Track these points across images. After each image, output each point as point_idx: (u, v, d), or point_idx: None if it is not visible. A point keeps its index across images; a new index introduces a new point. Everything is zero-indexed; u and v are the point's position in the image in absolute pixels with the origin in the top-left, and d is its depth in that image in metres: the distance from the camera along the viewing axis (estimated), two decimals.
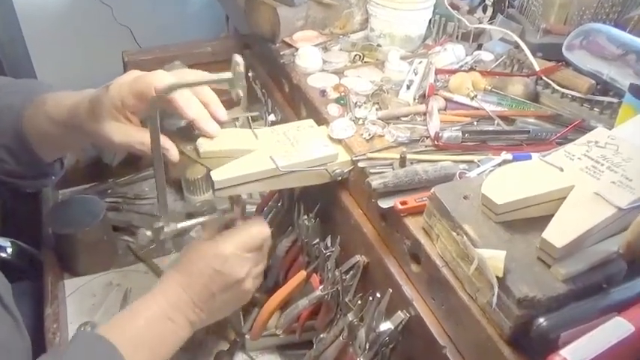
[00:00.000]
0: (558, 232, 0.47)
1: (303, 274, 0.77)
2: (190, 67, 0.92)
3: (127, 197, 1.20)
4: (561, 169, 0.54)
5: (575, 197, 0.51)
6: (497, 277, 0.47)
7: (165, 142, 0.69)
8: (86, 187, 1.22)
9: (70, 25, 1.98)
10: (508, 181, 0.54)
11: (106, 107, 0.68)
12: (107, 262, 1.03)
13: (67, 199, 1.10)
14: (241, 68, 0.57)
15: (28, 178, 0.84)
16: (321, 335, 0.72)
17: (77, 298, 0.97)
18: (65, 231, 0.95)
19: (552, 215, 0.51)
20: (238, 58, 0.56)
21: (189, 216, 1.14)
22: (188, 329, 0.69)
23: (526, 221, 0.53)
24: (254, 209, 0.98)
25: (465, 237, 0.52)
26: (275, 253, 0.86)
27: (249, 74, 1.10)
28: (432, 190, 0.57)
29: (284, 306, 0.80)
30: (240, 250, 0.69)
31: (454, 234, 0.54)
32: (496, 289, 0.46)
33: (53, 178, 0.91)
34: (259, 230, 0.72)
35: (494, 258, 0.47)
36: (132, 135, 0.69)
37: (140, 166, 1.24)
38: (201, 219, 0.74)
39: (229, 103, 0.76)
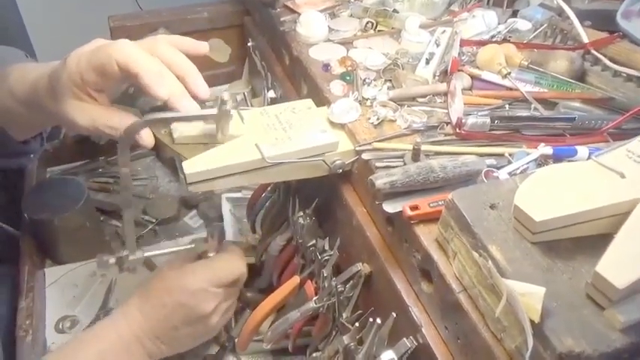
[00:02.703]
0: (618, 266, 0.35)
1: (296, 280, 0.66)
2: (185, 35, 0.81)
3: (118, 177, 1.10)
4: (622, 176, 0.41)
5: None
6: (532, 322, 0.35)
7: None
8: (76, 166, 1.13)
9: None
10: (550, 189, 0.41)
11: (64, 84, 0.58)
12: (91, 249, 0.94)
13: (45, 180, 1.00)
14: (228, 106, 0.54)
15: (1, 157, 0.76)
16: (314, 355, 0.62)
17: (57, 289, 0.89)
18: (41, 216, 0.86)
19: (607, 235, 0.39)
20: (225, 95, 0.54)
21: (183, 201, 1.05)
22: None
23: (571, 242, 0.41)
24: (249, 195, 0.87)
25: (489, 261, 0.40)
26: (268, 252, 0.75)
27: (249, 44, 0.98)
28: (450, 196, 0.45)
29: (275, 313, 0.70)
30: (208, 285, 0.65)
31: (475, 255, 0.42)
32: (530, 341, 0.34)
33: (32, 156, 0.83)
34: (233, 265, 0.68)
35: (530, 296, 0.35)
36: (97, 116, 0.60)
37: (133, 145, 1.14)
38: (173, 248, 0.71)
39: (216, 78, 0.65)
